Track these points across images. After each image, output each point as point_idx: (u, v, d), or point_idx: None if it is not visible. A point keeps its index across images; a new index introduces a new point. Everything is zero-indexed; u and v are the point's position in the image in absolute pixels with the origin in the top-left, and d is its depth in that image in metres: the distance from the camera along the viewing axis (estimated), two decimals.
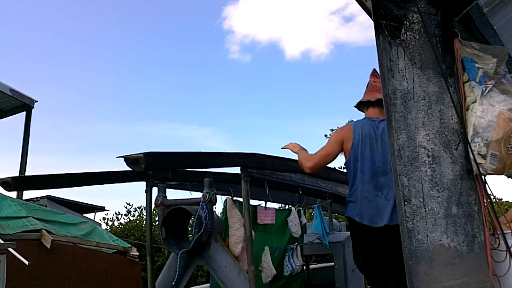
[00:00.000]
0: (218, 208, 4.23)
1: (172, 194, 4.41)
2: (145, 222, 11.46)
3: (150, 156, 3.12)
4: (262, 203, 4.79)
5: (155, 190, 4.33)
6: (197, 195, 4.21)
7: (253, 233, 4.12)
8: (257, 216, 4.53)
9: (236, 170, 3.94)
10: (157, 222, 10.70)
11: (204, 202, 3.85)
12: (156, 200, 4.21)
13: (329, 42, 31.28)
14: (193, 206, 3.98)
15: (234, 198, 4.27)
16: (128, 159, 3.07)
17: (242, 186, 3.86)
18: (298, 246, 4.92)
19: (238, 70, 29.99)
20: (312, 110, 29.69)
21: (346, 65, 30.30)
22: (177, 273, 3.87)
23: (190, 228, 4.99)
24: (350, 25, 29.70)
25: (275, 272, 4.46)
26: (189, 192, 4.53)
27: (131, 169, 3.95)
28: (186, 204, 4.06)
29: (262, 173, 4.14)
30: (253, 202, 4.58)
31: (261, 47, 28.71)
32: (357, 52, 28.53)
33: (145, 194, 4.33)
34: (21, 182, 4.06)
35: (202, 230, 3.80)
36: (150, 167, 3.21)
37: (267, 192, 4.37)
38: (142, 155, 3.04)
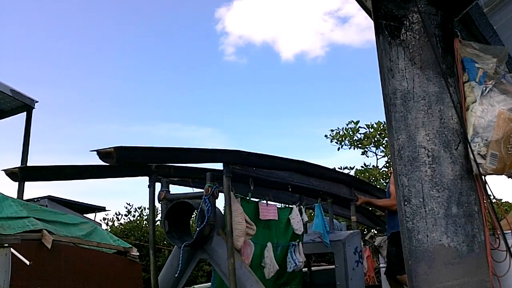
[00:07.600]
0: (220, 204, 4.25)
1: (174, 190, 4.44)
2: (146, 222, 11.48)
3: (121, 151, 3.27)
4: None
5: (157, 186, 4.38)
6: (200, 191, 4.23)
7: (255, 228, 4.15)
8: (259, 212, 4.54)
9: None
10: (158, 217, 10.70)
11: (207, 195, 3.89)
12: (159, 194, 4.23)
13: (325, 44, 31.06)
14: (195, 200, 4.01)
15: (236, 194, 4.28)
16: (100, 153, 3.22)
17: (224, 182, 3.91)
18: (300, 243, 4.93)
19: (236, 72, 29.89)
20: (311, 111, 29.61)
21: (343, 67, 30.26)
22: (179, 266, 3.89)
23: (194, 225, 5.02)
24: (345, 26, 29.56)
25: (278, 268, 4.47)
26: (191, 188, 4.56)
27: (131, 166, 4.06)
28: (189, 198, 4.10)
29: (246, 170, 4.17)
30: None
31: (256, 49, 28.56)
32: (353, 53, 28.40)
33: (148, 189, 4.38)
34: (27, 173, 4.09)
35: (204, 223, 3.83)
36: (121, 161, 3.36)
37: (251, 187, 4.38)
38: (113, 149, 3.20)
